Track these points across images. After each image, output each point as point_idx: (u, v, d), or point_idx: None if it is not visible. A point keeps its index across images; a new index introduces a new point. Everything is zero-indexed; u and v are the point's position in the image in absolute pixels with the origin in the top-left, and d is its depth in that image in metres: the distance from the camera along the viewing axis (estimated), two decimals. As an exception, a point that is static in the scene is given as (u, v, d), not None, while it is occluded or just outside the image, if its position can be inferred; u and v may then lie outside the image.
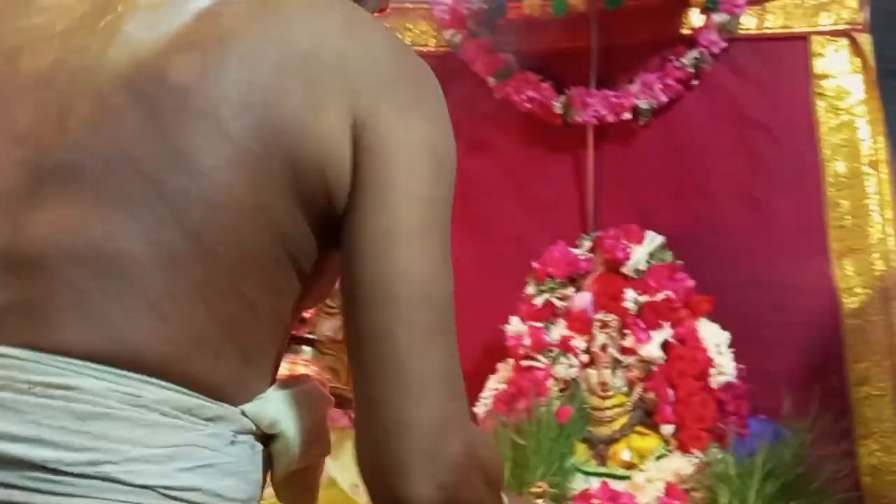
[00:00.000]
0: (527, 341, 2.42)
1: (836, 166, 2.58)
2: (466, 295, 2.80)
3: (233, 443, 0.82)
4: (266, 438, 0.86)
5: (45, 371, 0.77)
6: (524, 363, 2.41)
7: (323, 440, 0.92)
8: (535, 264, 2.54)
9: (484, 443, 0.86)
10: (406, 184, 0.83)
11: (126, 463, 0.76)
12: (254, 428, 0.85)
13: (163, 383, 0.79)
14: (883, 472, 2.37)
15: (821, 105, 2.62)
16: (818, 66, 2.63)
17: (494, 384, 2.46)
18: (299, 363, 2.12)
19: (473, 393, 2.49)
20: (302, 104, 0.83)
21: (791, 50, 2.66)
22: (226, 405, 0.82)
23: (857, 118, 2.59)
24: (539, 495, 1.67)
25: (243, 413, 0.84)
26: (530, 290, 2.51)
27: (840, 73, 2.62)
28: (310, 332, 2.74)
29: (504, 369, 2.47)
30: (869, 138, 2.57)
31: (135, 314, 0.79)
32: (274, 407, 0.86)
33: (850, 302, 2.50)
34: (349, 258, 0.83)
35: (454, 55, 2.83)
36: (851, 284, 2.51)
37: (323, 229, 0.85)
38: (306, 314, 2.71)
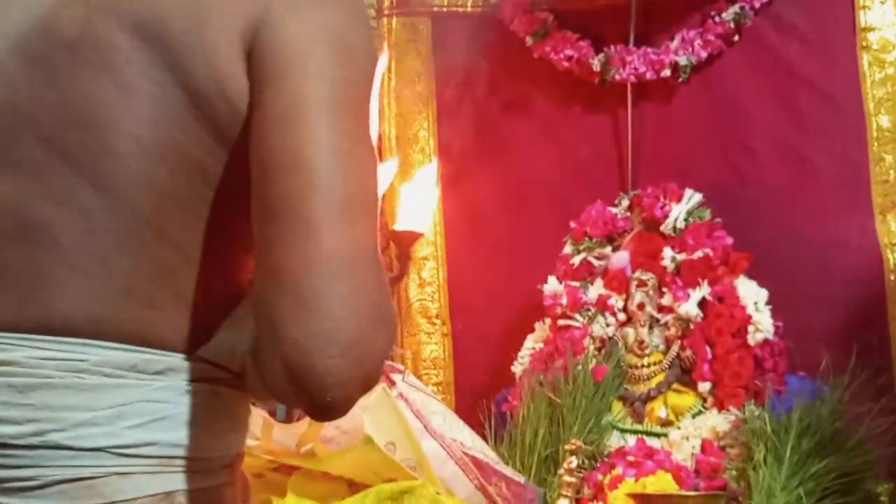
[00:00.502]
0: (564, 300, 2.43)
1: (881, 120, 2.54)
2: (504, 254, 2.85)
3: (188, 392, 0.81)
4: (240, 378, 0.84)
5: None
6: (561, 322, 2.41)
7: None
8: (572, 224, 2.54)
9: (387, 299, 0.78)
10: (305, 67, 0.78)
11: (72, 429, 0.76)
12: (216, 373, 0.83)
13: (101, 343, 0.78)
14: (925, 429, 2.35)
15: (865, 58, 2.57)
16: (863, 18, 2.58)
17: (532, 343, 2.47)
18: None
19: (511, 352, 2.51)
20: (188, 29, 0.80)
21: (835, 3, 2.61)
22: (174, 354, 0.81)
23: (903, 71, 2.54)
24: (573, 452, 1.69)
25: (201, 358, 0.82)
26: (568, 249, 2.51)
27: (886, 26, 2.56)
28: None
29: (541, 328, 2.48)
30: (914, 91, 2.52)
31: (58, 278, 0.79)
32: (223, 336, 0.83)
33: (893, 257, 2.47)
34: (253, 146, 0.78)
35: (492, 15, 2.82)
36: (895, 240, 2.48)
37: (241, 154, 0.81)
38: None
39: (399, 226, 2.20)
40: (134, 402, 0.78)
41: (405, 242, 2.29)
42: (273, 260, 0.75)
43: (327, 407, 0.74)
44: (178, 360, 0.81)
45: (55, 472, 0.76)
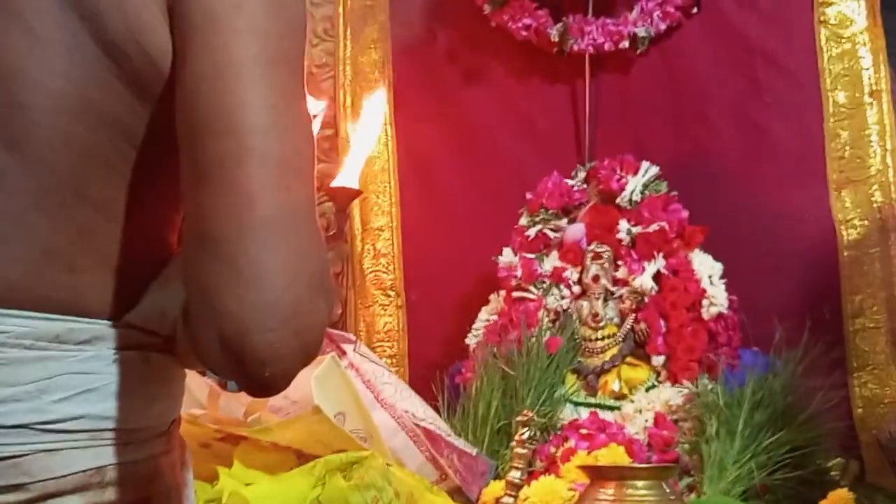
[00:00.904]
0: (519, 272, 2.40)
1: (837, 96, 2.54)
2: (461, 225, 2.83)
3: (115, 361, 0.77)
4: (170, 341, 0.80)
5: None
6: (516, 294, 2.39)
7: None
8: (528, 195, 2.51)
9: (326, 267, 0.75)
10: (233, 21, 0.73)
11: None
12: (145, 339, 0.79)
13: (18, 312, 0.73)
14: (875, 403, 2.37)
15: (823, 33, 2.56)
16: (822, -7, 2.57)
17: (486, 315, 2.45)
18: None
19: (466, 324, 2.49)
20: None
21: (794, -24, 2.60)
22: (99, 321, 0.77)
23: (860, 46, 2.54)
24: (525, 423, 1.67)
25: (128, 324, 0.78)
26: (524, 221, 2.49)
27: (843, 0, 2.56)
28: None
29: (496, 300, 2.46)
30: (871, 67, 2.52)
31: None
32: (154, 297, 0.79)
33: (847, 234, 2.48)
34: (179, 106, 0.73)
35: (449, -19, 2.78)
36: (849, 216, 2.49)
37: (165, 111, 0.77)
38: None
39: (336, 182, 2.16)
40: (58, 374, 0.74)
41: (342, 199, 2.26)
42: (205, 227, 0.71)
43: (265, 382, 0.71)
44: (103, 327, 0.77)
45: None
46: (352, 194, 2.25)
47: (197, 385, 1.71)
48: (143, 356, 0.79)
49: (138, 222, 0.79)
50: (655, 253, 2.31)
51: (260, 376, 0.70)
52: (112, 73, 0.75)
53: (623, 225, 2.37)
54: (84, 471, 0.75)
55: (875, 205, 2.47)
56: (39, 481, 0.73)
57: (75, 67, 0.74)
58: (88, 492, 0.75)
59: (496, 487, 1.86)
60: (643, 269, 2.31)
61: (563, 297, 2.38)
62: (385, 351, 2.73)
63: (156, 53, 0.75)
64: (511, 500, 1.62)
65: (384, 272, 2.79)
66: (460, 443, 1.96)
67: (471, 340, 2.44)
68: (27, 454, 0.73)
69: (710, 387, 2.09)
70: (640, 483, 1.49)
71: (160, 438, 0.82)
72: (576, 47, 2.62)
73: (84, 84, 0.75)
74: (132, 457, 0.78)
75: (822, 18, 2.56)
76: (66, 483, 0.74)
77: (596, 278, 2.35)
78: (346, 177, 2.21)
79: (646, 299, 2.29)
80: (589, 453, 1.94)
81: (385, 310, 2.77)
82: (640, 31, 2.60)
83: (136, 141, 0.77)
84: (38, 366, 0.73)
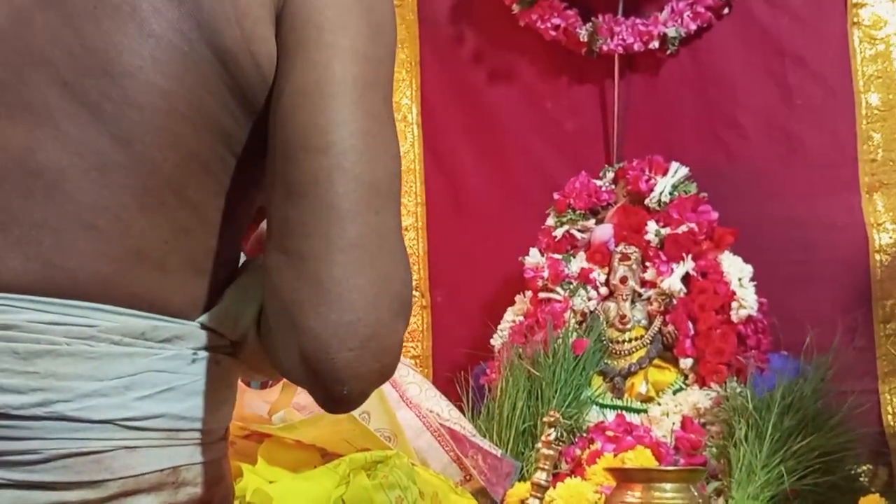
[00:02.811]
0: (546, 273, 2.39)
1: (870, 98, 2.51)
2: (487, 225, 2.81)
3: (194, 361, 0.78)
4: (236, 347, 0.81)
5: None
6: (542, 295, 2.37)
7: None
8: (556, 195, 2.50)
9: (408, 290, 0.76)
10: (338, 40, 0.75)
11: (79, 399, 0.71)
12: (218, 341, 0.80)
13: (109, 308, 0.73)
14: (907, 410, 2.33)
15: (856, 34, 2.53)
16: (855, -7, 2.54)
17: (512, 316, 2.44)
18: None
19: (491, 325, 2.47)
20: None
21: (826, -23, 2.57)
22: (182, 321, 0.77)
23: (894, 48, 2.51)
24: (552, 424, 1.65)
25: (203, 326, 0.79)
26: (551, 221, 2.47)
27: (877, 1, 2.53)
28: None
29: (522, 301, 2.44)
30: (905, 69, 2.49)
31: (68, 234, 0.73)
32: (229, 303, 0.80)
33: (879, 237, 2.45)
34: (276, 118, 0.75)
35: (478, -19, 2.77)
36: (881, 220, 2.46)
37: (263, 122, 0.78)
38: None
39: None
40: (143, 371, 0.74)
41: None
42: (292, 242, 0.73)
43: (342, 399, 0.73)
44: (184, 327, 0.77)
45: (59, 446, 0.71)
46: None
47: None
48: (216, 359, 0.79)
49: (225, 228, 0.80)
50: (684, 254, 2.29)
51: (337, 393, 0.73)
52: (223, 80, 0.76)
53: (651, 226, 2.35)
54: (161, 470, 0.75)
55: (908, 208, 2.44)
56: (120, 478, 0.73)
57: (189, 71, 0.75)
58: (163, 492, 0.75)
59: (521, 489, 1.84)
60: (671, 270, 2.29)
61: (590, 299, 2.36)
62: (409, 352, 2.72)
63: (264, 64, 0.77)
64: (537, 501, 1.60)
65: (409, 272, 2.77)
66: (485, 444, 1.95)
67: (496, 341, 2.42)
68: (109, 450, 0.73)
69: (738, 390, 2.07)
70: (667, 486, 1.46)
71: (223, 441, 0.82)
72: (605, 47, 2.60)
73: (196, 89, 0.75)
74: (203, 458, 0.79)
75: (855, 20, 2.53)
76: (144, 481, 0.74)
77: (624, 279, 2.33)
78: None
79: (674, 301, 2.27)
80: (615, 456, 1.92)
81: (410, 310, 2.76)
82: (671, 32, 2.58)
83: (235, 148, 0.78)
84: (124, 361, 0.73)
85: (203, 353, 0.78)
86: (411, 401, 1.87)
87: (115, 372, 0.73)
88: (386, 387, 1.83)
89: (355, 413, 1.66)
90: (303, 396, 1.73)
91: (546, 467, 1.62)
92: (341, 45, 0.75)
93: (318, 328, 0.71)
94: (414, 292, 2.76)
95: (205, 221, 0.78)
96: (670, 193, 2.38)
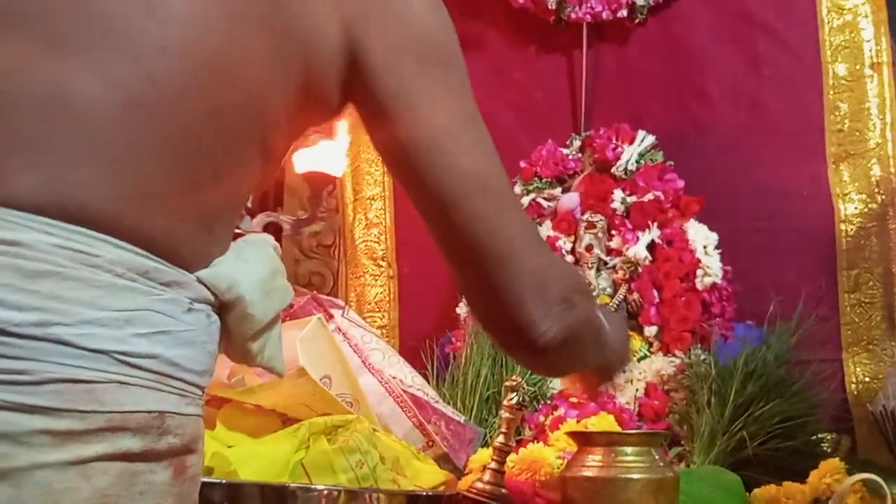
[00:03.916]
0: (511, 241, 2.37)
1: (837, 68, 2.50)
2: (452, 194, 2.77)
3: (189, 310, 0.78)
4: (222, 309, 0.83)
5: None
6: (508, 263, 2.36)
7: (280, 289, 0.88)
8: (522, 163, 2.48)
9: (574, 271, 1.04)
10: (439, 88, 0.89)
11: (79, 325, 0.71)
12: (210, 297, 0.81)
13: (117, 241, 0.74)
14: (870, 378, 2.34)
15: (824, 4, 2.53)
16: (823, -38, 2.54)
17: (478, 284, 2.42)
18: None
19: (456, 294, 2.45)
20: None
21: (795, -55, 2.56)
22: (182, 270, 0.78)
23: (861, 18, 2.50)
24: (513, 388, 1.64)
25: (199, 280, 0.80)
26: (517, 189, 2.46)
27: (845, -28, 2.52)
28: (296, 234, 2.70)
29: (488, 269, 2.43)
30: (872, 40, 2.48)
31: (88, 165, 0.74)
32: (229, 267, 0.82)
33: (845, 208, 2.45)
34: (419, 160, 0.89)
35: (446, -52, 2.74)
36: (847, 190, 2.46)
37: (302, 106, 0.84)
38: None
39: (312, 167, 2.15)
40: (142, 309, 0.75)
41: (318, 184, 2.26)
42: (497, 246, 0.93)
43: (536, 349, 0.95)
44: (184, 276, 0.79)
45: (53, 370, 0.70)
46: (322, 179, 2.27)
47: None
48: (208, 313, 0.81)
49: (234, 190, 0.84)
50: (650, 223, 2.28)
51: (532, 343, 0.94)
52: (285, 66, 0.83)
53: (618, 194, 2.34)
54: (149, 412, 0.75)
55: (873, 179, 2.43)
56: (108, 412, 0.73)
57: (239, 32, 0.80)
58: (147, 435, 0.75)
59: (484, 455, 1.83)
60: (637, 238, 2.28)
61: (555, 267, 2.35)
62: (375, 321, 2.71)
63: (320, 64, 0.86)
64: (497, 465, 1.60)
65: (375, 242, 2.76)
66: (448, 410, 1.94)
67: (462, 310, 2.41)
68: (102, 382, 0.72)
69: (702, 357, 2.07)
70: (628, 449, 1.46)
71: (201, 401, 0.83)
72: (573, 16, 2.58)
73: (242, 49, 0.80)
74: (186, 410, 0.79)
75: (822, -11, 2.53)
76: (132, 420, 0.74)
77: (589, 248, 2.32)
78: (321, 162, 2.22)
79: (639, 269, 2.27)
80: (578, 422, 1.91)
81: (376, 280, 2.74)
82: (639, 0, 2.57)
83: (266, 118, 0.84)
84: (126, 295, 0.74)
85: (199, 305, 0.80)
86: (374, 367, 1.86)
87: (116, 304, 0.73)
88: (348, 352, 1.82)
89: (316, 377, 1.64)
90: (263, 361, 1.71)
91: (507, 431, 1.61)
92: (442, 91, 0.90)
93: (528, 300, 0.96)
94: (380, 262, 2.75)
95: (220, 182, 0.81)
96: (636, 162, 2.38)
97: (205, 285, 0.81)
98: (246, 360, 0.88)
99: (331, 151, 2.24)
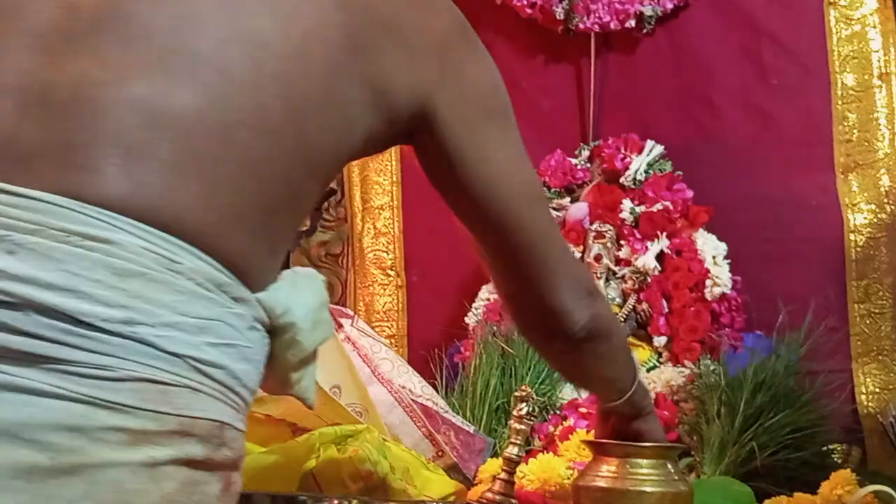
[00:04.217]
0: (520, 251, 2.37)
1: (846, 78, 2.50)
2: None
3: (251, 328, 0.81)
4: (271, 333, 0.85)
5: (84, 221, 0.72)
6: (517, 273, 2.36)
7: (326, 322, 0.90)
8: (531, 173, 2.48)
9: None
10: (497, 128, 1.01)
11: (161, 327, 0.73)
12: (266, 319, 0.83)
13: (199, 252, 0.76)
14: (880, 389, 2.34)
15: (832, 14, 2.53)
16: (831, -27, 2.54)
17: (486, 294, 2.42)
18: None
19: (465, 304, 2.46)
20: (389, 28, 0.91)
21: (803, -44, 2.56)
22: (247, 290, 0.80)
23: (870, 28, 2.50)
24: (523, 399, 1.64)
25: (259, 301, 0.82)
26: (526, 199, 2.45)
27: (853, -19, 2.52)
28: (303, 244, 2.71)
29: (496, 279, 2.43)
30: (880, 50, 2.49)
31: (183, 175, 0.76)
32: (284, 293, 0.84)
33: (854, 218, 2.45)
34: (487, 193, 1.01)
35: (454, -42, 2.74)
36: (856, 200, 2.45)
37: (363, 149, 0.91)
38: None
39: None
40: (216, 319, 0.77)
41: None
42: (545, 259, 1.08)
43: (576, 336, 1.11)
44: (250, 295, 0.81)
45: (133, 367, 0.72)
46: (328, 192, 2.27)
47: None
48: (263, 334, 0.83)
49: (297, 221, 0.89)
50: (659, 232, 2.28)
51: (570, 332, 1.10)
52: (375, 104, 0.90)
53: (626, 204, 2.34)
54: (213, 420, 0.77)
55: (882, 189, 2.43)
56: (180, 416, 0.74)
57: (337, 60, 0.86)
58: (209, 444, 0.76)
59: (493, 465, 1.83)
60: (646, 248, 2.28)
61: (564, 277, 2.35)
62: (384, 331, 2.71)
63: (392, 132, 0.95)
64: (508, 476, 1.59)
65: (384, 251, 2.76)
66: (458, 420, 1.94)
67: (470, 319, 2.41)
68: (176, 385, 0.74)
69: (712, 368, 2.07)
70: (643, 462, 1.45)
71: (246, 418, 0.84)
72: (581, 26, 2.59)
73: (339, 106, 0.87)
74: (239, 426, 0.81)
75: (831, 0, 2.53)
76: (199, 427, 0.75)
77: (598, 258, 2.32)
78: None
79: (648, 279, 2.27)
80: (588, 432, 1.91)
81: (384, 289, 2.75)
82: (647, 10, 2.57)
83: (338, 160, 0.90)
84: (204, 304, 0.76)
85: (258, 325, 0.82)
86: (383, 376, 1.86)
87: (193, 311, 0.75)
88: (358, 362, 1.82)
89: (326, 388, 1.65)
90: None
91: (518, 442, 1.61)
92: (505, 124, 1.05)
93: (568, 297, 1.13)
94: (389, 271, 2.75)
95: (291, 207, 0.85)
96: (645, 172, 2.38)
97: (262, 307, 0.82)
98: (283, 388, 0.89)
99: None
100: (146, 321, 0.72)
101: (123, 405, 0.71)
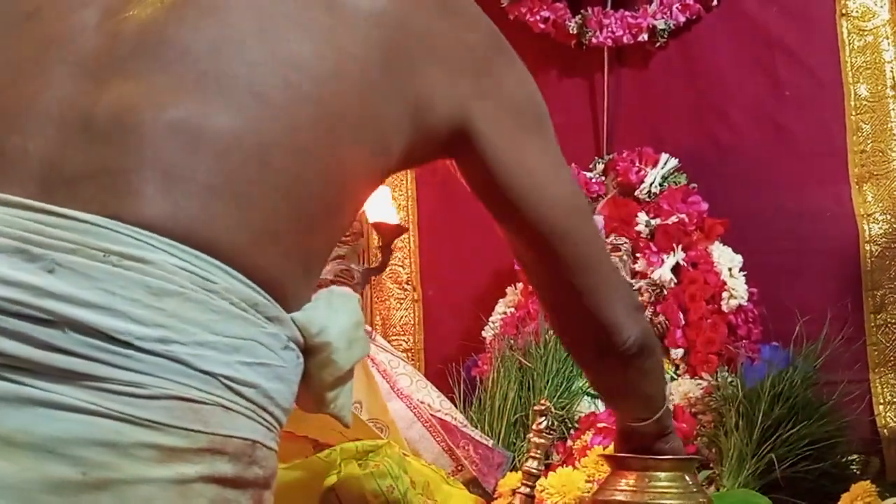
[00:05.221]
0: (536, 265, 2.38)
1: (859, 89, 2.51)
2: (475, 218, 2.79)
3: (285, 348, 0.80)
4: (306, 352, 0.84)
5: (123, 241, 0.74)
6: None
7: (362, 340, 0.90)
8: (546, 187, 2.49)
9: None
10: (533, 135, 1.02)
11: (194, 346, 0.73)
12: (300, 339, 0.83)
13: (233, 272, 0.76)
14: (897, 399, 2.34)
15: (845, 26, 2.53)
16: (843, -16, 2.55)
17: (503, 308, 2.44)
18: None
19: (481, 318, 2.47)
20: (423, 49, 0.91)
21: (815, -32, 2.58)
22: (281, 309, 0.81)
23: (883, 39, 2.51)
24: (542, 412, 1.64)
25: (293, 321, 0.82)
26: (542, 213, 2.46)
27: (866, -7, 2.53)
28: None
29: (513, 293, 2.44)
30: (893, 60, 2.49)
31: (220, 196, 0.77)
32: (320, 312, 0.84)
33: (869, 228, 2.45)
34: (530, 204, 1.00)
35: (467, -26, 2.76)
36: (871, 210, 2.46)
37: (398, 166, 0.92)
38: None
39: (384, 219, 2.19)
40: (250, 339, 0.77)
41: (388, 235, 2.29)
42: (593, 274, 1.06)
43: (627, 350, 1.09)
44: (284, 314, 0.81)
45: (166, 385, 0.72)
46: (395, 230, 2.30)
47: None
48: (297, 353, 0.83)
49: (333, 239, 0.88)
50: (674, 245, 2.29)
51: (622, 346, 1.08)
52: (399, 131, 0.90)
53: (642, 217, 2.35)
54: (245, 439, 0.76)
55: (897, 199, 2.44)
56: (212, 433, 0.74)
57: (371, 83, 0.87)
58: (240, 462, 0.76)
59: (513, 479, 1.84)
60: (662, 261, 2.29)
61: (580, 290, 2.36)
62: (401, 345, 2.72)
63: (429, 148, 0.96)
64: (528, 489, 1.60)
65: (400, 266, 2.78)
66: (477, 434, 1.95)
67: (487, 333, 2.42)
68: (208, 404, 0.74)
69: (729, 380, 2.07)
70: (662, 475, 1.45)
71: (278, 438, 0.84)
72: (594, 40, 2.60)
73: (376, 124, 0.87)
74: (271, 445, 0.80)
75: (843, 11, 2.53)
76: (230, 445, 0.75)
77: (614, 271, 2.33)
78: (384, 211, 2.26)
79: (665, 292, 2.27)
80: (605, 448, 1.92)
81: (401, 304, 2.76)
82: (660, 24, 2.58)
83: (374, 179, 0.90)
84: (238, 323, 0.76)
85: (292, 345, 0.81)
86: (402, 392, 1.87)
87: (229, 330, 0.75)
88: (377, 377, 1.83)
89: (347, 403, 1.65)
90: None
91: (537, 455, 1.61)
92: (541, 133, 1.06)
93: (619, 311, 1.09)
94: (405, 286, 2.77)
95: (326, 227, 0.85)
96: (660, 184, 2.39)
97: (297, 327, 0.83)
98: (319, 407, 0.89)
99: (386, 199, 2.29)
100: (180, 339, 0.73)
101: (155, 422, 0.72)
